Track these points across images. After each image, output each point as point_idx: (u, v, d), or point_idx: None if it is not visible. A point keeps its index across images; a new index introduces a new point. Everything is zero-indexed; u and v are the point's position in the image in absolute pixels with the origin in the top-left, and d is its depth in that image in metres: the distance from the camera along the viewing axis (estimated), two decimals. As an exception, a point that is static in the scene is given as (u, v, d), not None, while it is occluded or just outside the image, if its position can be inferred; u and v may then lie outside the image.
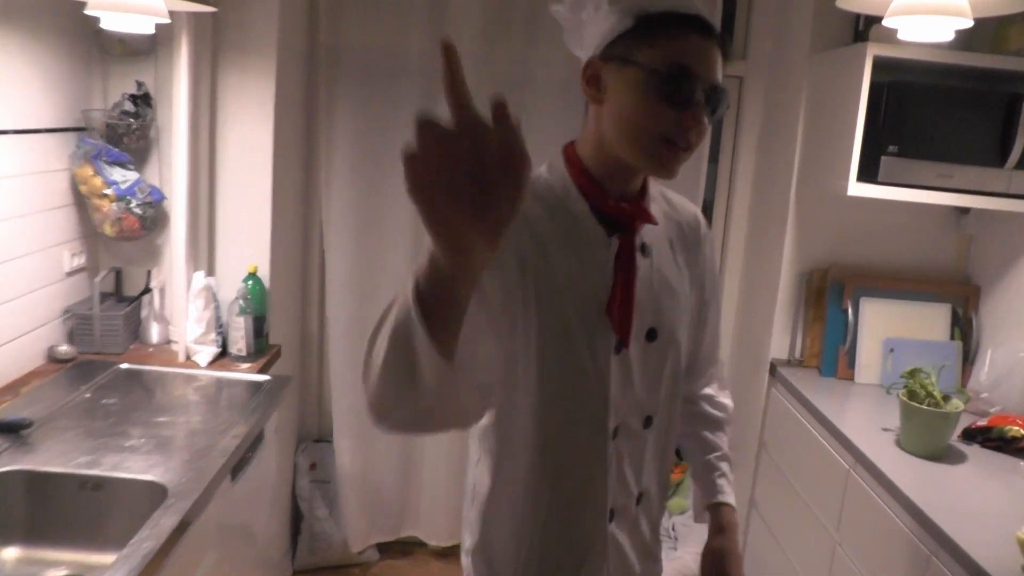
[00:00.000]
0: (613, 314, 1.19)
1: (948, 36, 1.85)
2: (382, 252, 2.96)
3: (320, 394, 3.15)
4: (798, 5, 2.66)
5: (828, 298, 2.68)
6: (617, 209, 1.20)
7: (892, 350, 2.62)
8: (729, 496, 1.49)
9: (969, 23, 1.74)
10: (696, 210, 1.41)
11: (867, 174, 2.29)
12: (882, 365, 2.63)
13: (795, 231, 2.69)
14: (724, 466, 1.50)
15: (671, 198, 1.37)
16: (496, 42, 2.82)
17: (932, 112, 2.26)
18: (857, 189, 2.30)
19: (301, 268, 3.07)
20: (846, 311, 2.65)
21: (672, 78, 1.10)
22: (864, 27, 2.41)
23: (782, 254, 2.71)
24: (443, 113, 0.65)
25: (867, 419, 2.35)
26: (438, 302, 0.74)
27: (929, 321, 2.66)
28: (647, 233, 1.25)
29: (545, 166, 1.25)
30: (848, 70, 2.30)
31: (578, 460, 1.24)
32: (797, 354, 2.75)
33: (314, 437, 3.20)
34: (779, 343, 2.74)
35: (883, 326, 2.65)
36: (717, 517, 1.47)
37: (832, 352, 2.67)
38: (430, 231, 0.67)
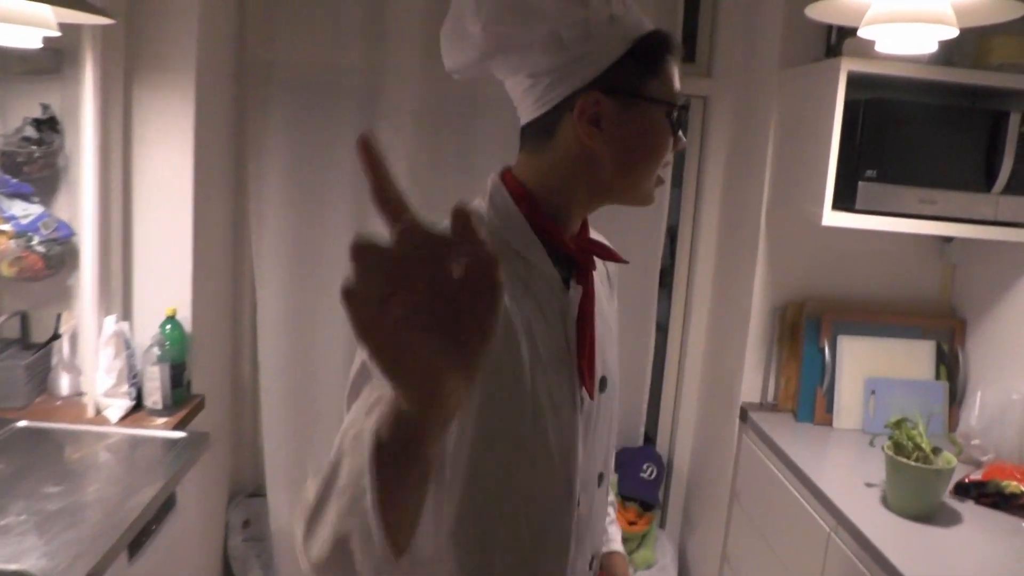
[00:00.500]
0: (584, 369, 1.07)
1: (931, 47, 1.66)
2: (319, 287, 2.72)
3: (254, 444, 2.88)
4: (765, 18, 2.47)
5: (804, 335, 2.46)
6: (578, 247, 1.08)
7: (873, 391, 2.41)
8: (620, 545, 1.38)
9: (954, 32, 1.55)
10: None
11: (843, 201, 2.08)
12: (863, 408, 2.41)
13: (767, 262, 2.48)
14: (612, 512, 1.40)
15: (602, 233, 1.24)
16: (438, 57, 2.60)
17: (913, 132, 2.06)
18: (832, 218, 2.09)
19: (231, 308, 2.81)
20: (823, 349, 2.44)
21: (681, 106, 1.05)
22: (837, 41, 2.22)
23: (753, 287, 2.50)
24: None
25: (849, 472, 2.13)
26: (404, 461, 0.61)
27: (912, 358, 2.46)
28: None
29: (480, 200, 1.09)
30: (821, 87, 2.10)
31: (537, 545, 1.06)
32: (770, 397, 2.53)
33: (248, 491, 2.93)
34: (750, 385, 2.52)
35: (864, 365, 2.44)
36: (611, 568, 1.33)
37: (809, 394, 2.45)
38: (391, 382, 0.54)
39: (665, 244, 2.79)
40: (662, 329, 2.93)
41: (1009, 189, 2.06)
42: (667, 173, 1.09)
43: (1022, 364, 2.24)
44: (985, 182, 2.07)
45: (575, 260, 1.07)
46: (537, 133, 1.06)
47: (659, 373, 2.93)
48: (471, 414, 0.94)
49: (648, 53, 1.02)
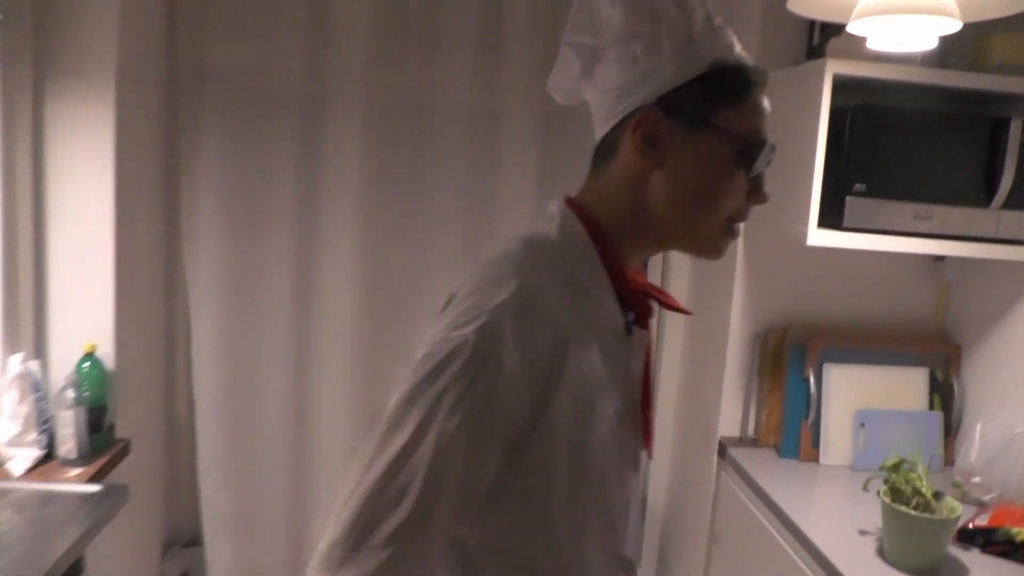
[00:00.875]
0: (648, 427, 1.00)
1: (931, 43, 1.46)
2: (260, 317, 2.49)
3: (191, 489, 2.63)
4: (740, 17, 2.28)
5: (787, 363, 2.26)
6: (641, 291, 1.00)
7: (863, 424, 2.21)
8: None
9: (957, 25, 1.35)
10: None
11: (830, 218, 1.89)
12: (853, 443, 2.21)
13: (745, 284, 2.28)
14: None
15: None
16: (388, 63, 2.40)
17: (906, 142, 1.87)
18: (818, 237, 1.89)
19: (162, 341, 2.57)
20: (808, 379, 2.24)
21: (759, 146, 0.95)
22: (820, 41, 2.03)
23: (730, 312, 2.29)
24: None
25: (839, 516, 1.92)
26: None
27: (905, 388, 2.26)
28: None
29: (550, 223, 0.98)
30: (804, 92, 1.91)
31: None
32: (751, 431, 2.32)
33: (185, 541, 2.68)
34: (729, 418, 2.31)
35: (853, 396, 2.24)
36: None
37: (793, 428, 2.24)
38: None
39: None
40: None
41: (1010, 203, 1.87)
42: (744, 219, 0.98)
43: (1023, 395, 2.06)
44: (985, 196, 1.88)
45: (635, 304, 0.99)
46: (602, 153, 1.00)
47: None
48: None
49: (725, 80, 0.94)
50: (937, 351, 2.30)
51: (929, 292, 2.35)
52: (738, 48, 0.97)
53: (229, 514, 2.53)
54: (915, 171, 1.88)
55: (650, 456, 1.03)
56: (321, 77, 2.41)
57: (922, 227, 1.88)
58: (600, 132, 1.00)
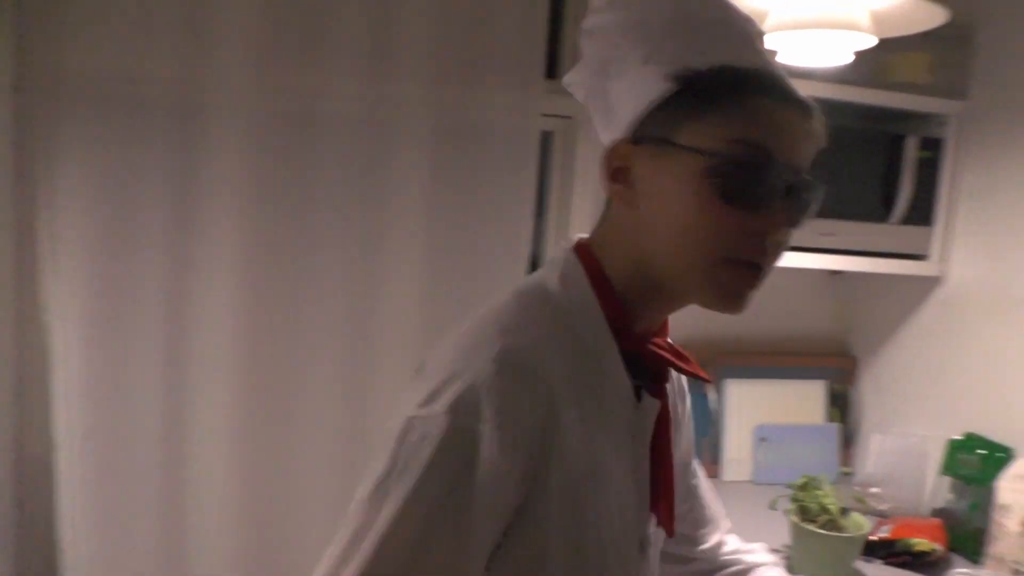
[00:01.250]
0: (660, 508, 0.90)
1: (846, 58, 1.45)
2: (129, 345, 2.27)
3: (48, 537, 2.37)
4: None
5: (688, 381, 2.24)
6: (651, 353, 0.88)
7: (764, 439, 2.22)
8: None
9: (872, 41, 1.34)
10: None
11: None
12: (753, 458, 2.22)
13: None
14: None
15: None
16: (269, 69, 2.24)
17: (839, 161, 1.87)
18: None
19: (14, 374, 2.30)
20: (707, 396, 2.23)
21: (739, 164, 0.78)
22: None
23: (634, 331, 2.25)
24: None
25: (746, 534, 1.90)
26: None
27: (804, 401, 2.29)
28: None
29: (552, 270, 0.89)
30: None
31: None
32: (655, 451, 2.29)
33: (41, 594, 2.41)
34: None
35: (752, 411, 2.24)
36: None
37: (696, 446, 2.22)
38: None
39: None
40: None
41: (907, 219, 1.91)
42: (760, 257, 0.81)
43: (917, 406, 2.11)
44: (883, 211, 1.92)
45: (647, 367, 0.88)
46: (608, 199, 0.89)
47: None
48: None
49: (696, 90, 0.80)
50: (835, 364, 2.35)
51: (828, 306, 2.39)
52: (722, 50, 0.82)
53: (93, 562, 2.29)
54: (853, 187, 1.92)
55: (670, 535, 0.94)
56: (197, 83, 2.22)
57: (825, 242, 1.90)
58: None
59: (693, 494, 1.19)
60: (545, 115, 2.26)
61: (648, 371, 0.87)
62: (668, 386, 0.92)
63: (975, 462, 1.86)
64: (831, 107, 1.89)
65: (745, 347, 2.30)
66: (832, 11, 1.31)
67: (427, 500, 0.72)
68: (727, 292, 0.81)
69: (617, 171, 0.84)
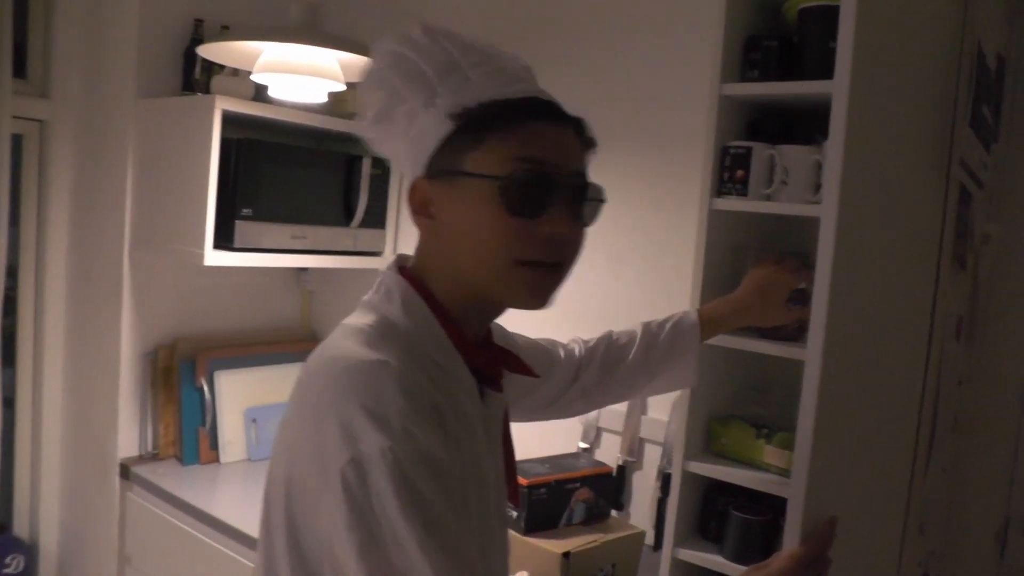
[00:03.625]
0: (512, 485, 1.01)
1: (321, 98, 1.76)
2: None
3: None
4: (114, 43, 2.27)
5: (180, 377, 2.36)
6: (488, 359, 0.97)
7: (255, 420, 2.45)
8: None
9: (342, 86, 1.67)
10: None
11: (222, 239, 2.08)
12: (246, 438, 2.44)
13: (133, 305, 2.30)
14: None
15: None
16: None
17: (285, 172, 2.16)
18: (214, 258, 2.06)
19: None
20: (201, 388, 2.38)
21: (519, 179, 0.87)
22: (203, 75, 2.17)
23: (120, 333, 2.29)
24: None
25: (244, 501, 2.14)
26: None
27: (285, 382, 2.57)
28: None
29: (389, 301, 0.92)
30: (192, 124, 2.04)
31: None
32: (150, 447, 2.37)
33: None
34: (128, 439, 2.32)
35: (242, 397, 2.46)
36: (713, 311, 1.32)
37: (192, 436, 2.36)
38: None
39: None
40: (8, 403, 2.45)
41: (364, 224, 2.31)
42: (551, 256, 0.90)
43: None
44: (345, 218, 2.29)
45: (486, 371, 0.96)
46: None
47: (9, 450, 2.46)
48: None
49: (470, 126, 0.89)
50: (305, 349, 2.64)
51: (295, 299, 2.70)
52: (497, 85, 0.92)
53: None
54: (292, 197, 2.18)
55: (516, 508, 1.07)
56: None
57: (299, 244, 2.20)
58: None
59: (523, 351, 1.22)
60: (16, 117, 2.16)
61: (486, 375, 0.96)
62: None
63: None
64: (303, 132, 2.23)
65: (229, 341, 2.50)
66: (313, 61, 1.61)
67: (413, 515, 0.75)
68: (529, 290, 0.90)
69: (420, 206, 0.92)
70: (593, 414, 1.98)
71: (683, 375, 1.31)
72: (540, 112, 0.91)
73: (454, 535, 0.76)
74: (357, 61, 1.70)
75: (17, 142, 2.26)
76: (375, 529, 0.75)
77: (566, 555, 1.59)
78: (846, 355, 1.07)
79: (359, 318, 0.91)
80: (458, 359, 0.92)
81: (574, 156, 0.93)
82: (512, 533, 1.65)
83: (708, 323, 1.31)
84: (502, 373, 1.00)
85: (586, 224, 0.95)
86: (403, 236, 2.44)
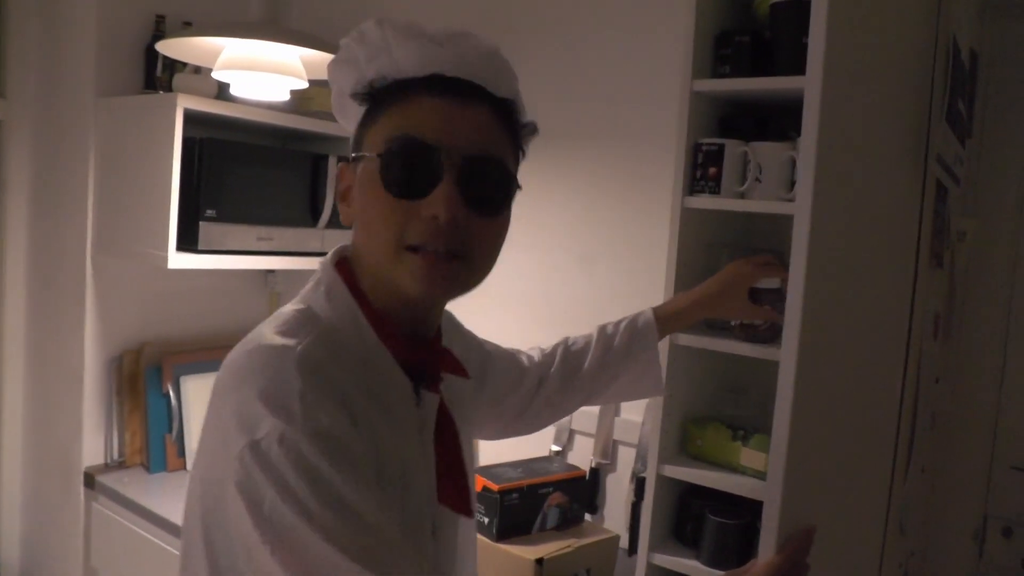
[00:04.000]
0: (449, 493, 0.93)
1: (284, 96, 1.71)
2: None
3: None
4: (71, 36, 2.21)
5: (145, 383, 2.30)
6: (420, 357, 0.91)
7: (222, 427, 2.40)
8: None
9: (304, 84, 1.63)
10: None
11: (185, 242, 2.02)
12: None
13: (96, 310, 2.24)
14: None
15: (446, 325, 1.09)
16: None
17: (250, 172, 2.11)
18: (178, 260, 2.00)
19: None
20: (168, 394, 2.32)
21: (395, 156, 0.83)
22: (165, 72, 2.11)
23: (83, 340, 2.23)
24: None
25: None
26: None
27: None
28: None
29: (315, 290, 0.89)
30: (154, 123, 1.99)
31: None
32: (116, 455, 2.31)
33: None
34: (92, 447, 2.26)
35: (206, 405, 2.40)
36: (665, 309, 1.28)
37: (159, 443, 2.30)
38: None
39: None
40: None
41: (331, 224, 2.26)
42: (434, 242, 0.83)
43: None
44: (311, 218, 2.24)
45: (418, 369, 0.91)
46: None
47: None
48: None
49: (371, 106, 0.89)
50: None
51: (263, 301, 2.64)
52: (400, 60, 0.88)
53: None
54: (258, 198, 2.13)
55: (469, 515, 0.98)
56: None
57: (265, 246, 2.15)
58: None
59: (493, 362, 1.20)
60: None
61: (419, 372, 0.91)
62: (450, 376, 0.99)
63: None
64: (267, 131, 2.17)
65: (196, 345, 2.44)
66: (274, 57, 1.56)
67: (326, 489, 0.72)
68: (413, 276, 0.83)
69: (344, 193, 0.91)
70: (566, 417, 1.95)
71: (648, 380, 1.28)
72: (432, 87, 0.85)
73: (362, 514, 0.73)
74: (320, 58, 1.66)
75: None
76: (279, 516, 0.71)
77: (539, 561, 1.55)
78: (822, 355, 1.05)
79: (287, 307, 0.89)
80: (384, 353, 0.88)
81: (473, 135, 0.85)
82: (484, 540, 1.62)
83: (666, 319, 1.27)
84: (439, 374, 0.95)
85: (486, 212, 0.86)
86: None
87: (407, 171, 0.83)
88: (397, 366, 0.89)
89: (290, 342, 0.80)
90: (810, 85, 0.97)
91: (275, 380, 0.76)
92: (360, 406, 0.81)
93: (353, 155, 0.89)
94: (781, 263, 1.22)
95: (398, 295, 0.87)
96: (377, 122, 0.87)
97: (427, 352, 0.93)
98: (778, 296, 1.23)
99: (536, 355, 1.26)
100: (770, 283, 1.27)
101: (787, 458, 0.98)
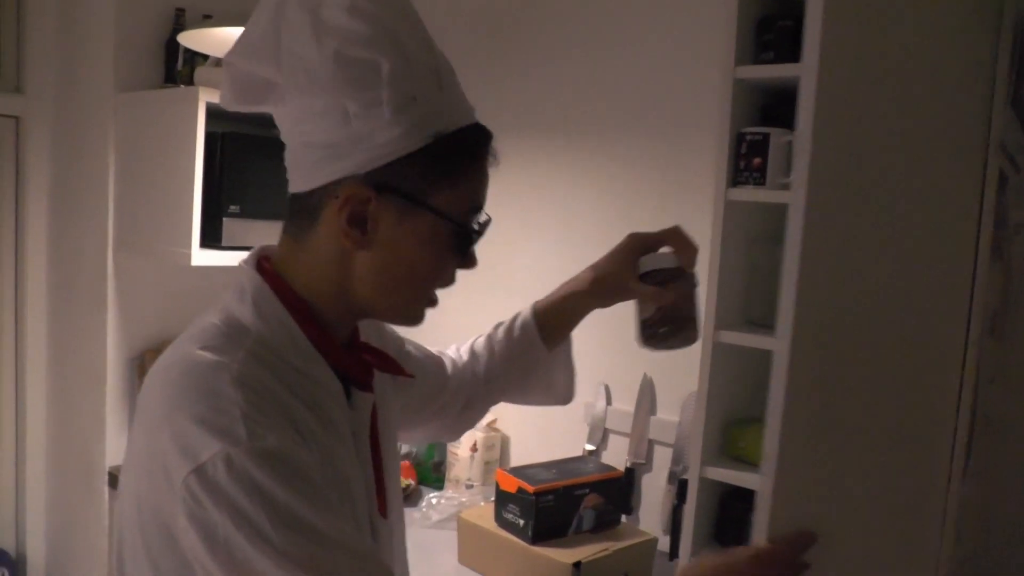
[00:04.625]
0: (379, 486, 0.92)
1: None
2: None
3: None
4: (90, 32, 2.17)
5: (168, 381, 2.28)
6: (355, 362, 0.89)
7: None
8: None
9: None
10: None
11: (208, 238, 1.99)
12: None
13: (118, 308, 2.21)
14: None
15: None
16: None
17: (273, 165, 2.05)
18: (201, 257, 1.97)
19: None
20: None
21: (475, 231, 0.85)
22: (186, 66, 2.07)
23: (105, 338, 2.20)
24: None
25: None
26: None
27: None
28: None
29: (240, 302, 0.83)
30: (175, 117, 1.95)
31: None
32: (138, 454, 2.29)
33: None
34: (115, 446, 2.23)
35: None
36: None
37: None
38: None
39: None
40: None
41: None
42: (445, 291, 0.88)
43: None
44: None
45: (351, 372, 0.88)
46: (300, 212, 0.84)
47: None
48: None
49: (450, 154, 0.80)
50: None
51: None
52: (467, 109, 0.84)
53: None
54: (281, 193, 2.07)
55: (384, 516, 0.93)
56: None
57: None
58: (297, 186, 0.84)
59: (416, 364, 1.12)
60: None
61: (352, 376, 0.89)
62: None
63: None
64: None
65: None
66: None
67: (277, 510, 0.70)
68: (419, 317, 0.88)
69: (354, 218, 0.79)
70: (600, 414, 1.90)
71: (544, 380, 1.16)
72: (487, 148, 0.85)
73: (322, 532, 0.71)
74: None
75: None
76: (235, 544, 0.68)
77: (577, 565, 1.51)
78: (826, 347, 1.00)
79: (205, 318, 0.84)
80: (319, 361, 0.84)
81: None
82: (518, 543, 1.58)
83: (543, 313, 1.13)
84: (370, 371, 0.91)
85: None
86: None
87: (475, 242, 0.86)
88: (331, 372, 0.85)
89: (223, 359, 0.76)
90: (806, 72, 0.90)
91: (213, 402, 0.72)
92: (302, 418, 0.78)
93: (399, 190, 0.79)
94: (684, 237, 1.01)
95: (361, 313, 0.88)
96: (458, 181, 0.82)
97: (360, 353, 0.92)
98: (677, 278, 1.00)
99: (464, 354, 1.18)
100: (662, 262, 1.01)
101: (779, 449, 0.92)
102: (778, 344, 0.91)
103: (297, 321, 0.83)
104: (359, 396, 0.90)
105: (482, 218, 0.85)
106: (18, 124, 2.26)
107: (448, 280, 0.87)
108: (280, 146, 0.92)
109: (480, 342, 1.18)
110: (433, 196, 0.80)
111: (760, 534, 0.91)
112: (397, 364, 0.96)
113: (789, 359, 0.89)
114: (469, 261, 0.87)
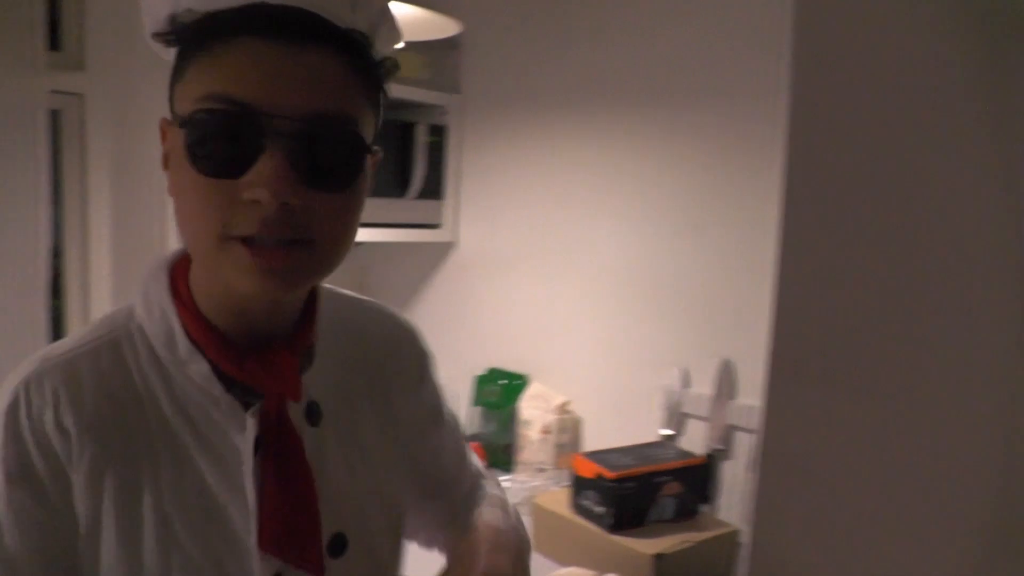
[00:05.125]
0: (265, 539, 0.71)
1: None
2: None
3: None
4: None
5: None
6: (242, 371, 0.73)
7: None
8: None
9: (400, 44, 1.52)
10: (398, 326, 0.95)
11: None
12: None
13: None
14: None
15: (360, 318, 0.91)
16: None
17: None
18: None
19: None
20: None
21: (199, 125, 0.64)
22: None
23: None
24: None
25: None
26: None
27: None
28: (316, 387, 0.79)
29: (140, 300, 0.75)
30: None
31: None
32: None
33: None
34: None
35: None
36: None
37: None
38: None
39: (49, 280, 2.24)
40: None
41: (421, 195, 2.17)
42: (265, 229, 0.65)
43: (443, 352, 2.20)
44: (400, 189, 2.14)
45: (240, 378, 0.74)
46: None
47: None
48: None
49: (182, 49, 0.69)
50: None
51: (347, 277, 2.57)
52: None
53: None
54: None
55: (318, 571, 0.76)
56: None
57: (355, 219, 2.06)
58: None
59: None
60: (55, 92, 2.04)
61: (241, 379, 0.74)
62: (334, 376, 0.83)
63: (498, 391, 2.17)
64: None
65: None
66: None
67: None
68: (244, 271, 0.66)
69: (164, 158, 0.72)
70: (677, 398, 1.82)
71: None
72: (260, 27, 0.64)
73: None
74: (419, 17, 1.54)
75: (55, 118, 2.14)
76: None
77: (659, 556, 1.45)
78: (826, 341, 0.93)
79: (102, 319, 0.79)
80: (198, 359, 0.72)
81: (293, 86, 0.64)
82: (596, 530, 1.52)
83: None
84: (283, 380, 0.74)
85: (330, 187, 0.67)
86: (464, 207, 2.29)
87: (220, 143, 0.64)
88: (216, 381, 0.73)
89: (47, 352, 0.73)
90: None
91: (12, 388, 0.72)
92: (119, 438, 0.71)
93: (171, 113, 0.70)
94: None
95: (228, 293, 0.72)
96: (185, 76, 0.67)
97: (276, 354, 0.74)
98: None
99: (481, 489, 1.05)
100: None
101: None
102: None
103: (186, 317, 0.73)
104: (250, 418, 0.73)
105: (216, 110, 0.64)
106: (81, 102, 2.24)
107: (226, 208, 0.64)
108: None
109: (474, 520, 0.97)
110: (175, 104, 0.70)
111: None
112: (290, 382, 0.75)
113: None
114: (197, 161, 0.65)
